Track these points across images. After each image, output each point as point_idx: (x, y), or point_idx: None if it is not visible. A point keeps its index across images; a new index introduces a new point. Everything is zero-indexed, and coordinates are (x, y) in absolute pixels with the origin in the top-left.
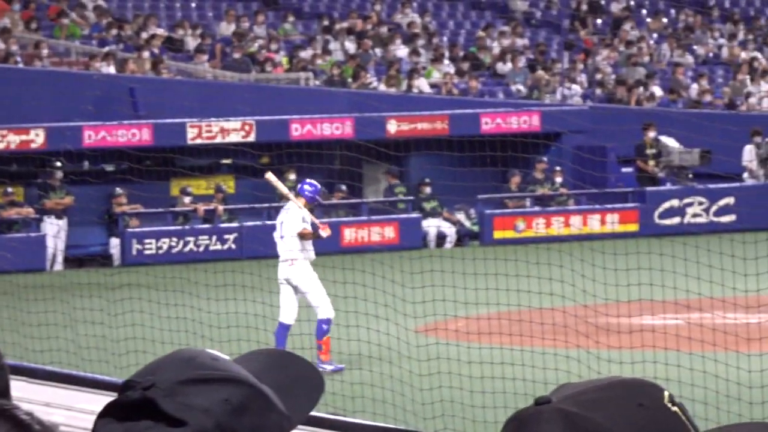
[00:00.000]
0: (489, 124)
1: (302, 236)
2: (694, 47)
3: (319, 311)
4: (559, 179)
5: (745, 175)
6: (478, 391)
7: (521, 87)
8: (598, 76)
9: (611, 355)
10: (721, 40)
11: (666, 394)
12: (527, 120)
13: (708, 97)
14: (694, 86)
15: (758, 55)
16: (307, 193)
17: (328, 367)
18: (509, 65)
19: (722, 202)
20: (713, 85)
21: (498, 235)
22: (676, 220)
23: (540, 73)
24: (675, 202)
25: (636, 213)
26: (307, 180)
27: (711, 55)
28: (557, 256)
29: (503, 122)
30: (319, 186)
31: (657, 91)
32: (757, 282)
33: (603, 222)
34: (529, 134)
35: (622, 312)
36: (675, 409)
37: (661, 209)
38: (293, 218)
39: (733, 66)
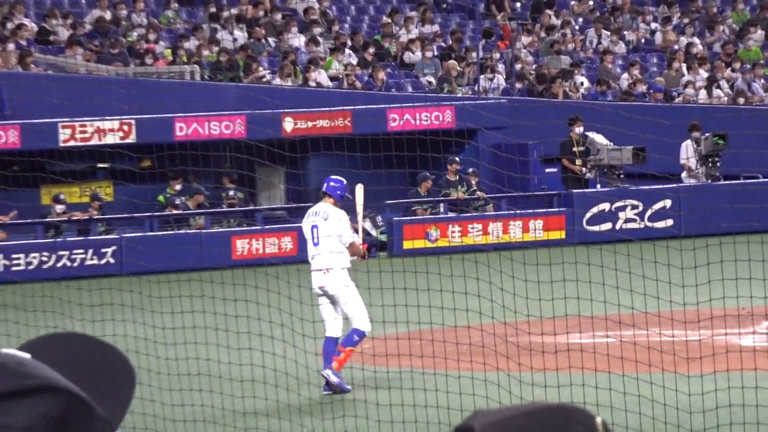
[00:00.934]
0: (397, 120)
1: (352, 247)
2: (624, 33)
3: (355, 321)
4: (474, 181)
5: (684, 174)
6: (387, 420)
7: (432, 79)
8: (518, 66)
9: (535, 378)
10: (654, 25)
11: (599, 420)
12: (439, 116)
13: (641, 88)
14: (625, 76)
15: (696, 40)
16: (337, 192)
17: (334, 378)
18: (419, 55)
19: (658, 206)
20: (646, 74)
21: (408, 244)
22: (606, 226)
23: (452, 63)
24: (605, 206)
25: (562, 218)
26: (332, 176)
27: (643, 41)
28: (474, 267)
29: (413, 118)
30: (344, 181)
31: (583, 81)
32: (696, 294)
33: (525, 229)
34: (442, 131)
35: (547, 330)
36: None
37: (590, 214)
38: (336, 224)
39: (668, 53)
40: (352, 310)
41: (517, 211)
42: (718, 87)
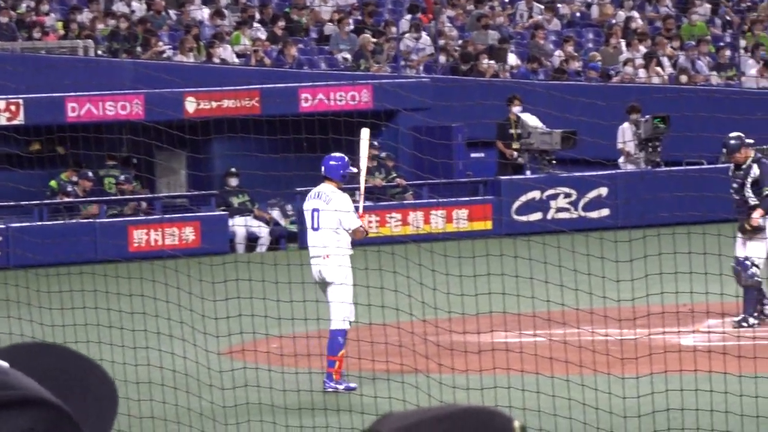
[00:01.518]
0: (309, 100)
1: (356, 233)
2: (558, 6)
3: (333, 315)
4: (390, 165)
5: (621, 160)
6: (296, 426)
7: (348, 55)
8: (442, 42)
9: (457, 381)
10: None
11: (517, 425)
12: (356, 95)
13: (575, 66)
14: (558, 53)
15: (635, 14)
16: (339, 171)
17: (340, 387)
18: (334, 29)
19: (593, 194)
20: (581, 51)
21: None
22: (537, 215)
23: (369, 37)
24: (536, 195)
25: (489, 208)
26: (331, 155)
27: (578, 15)
28: (392, 260)
29: (326, 98)
30: (345, 157)
31: (513, 59)
32: (632, 290)
33: (449, 219)
34: (358, 112)
35: (471, 328)
36: None
37: (518, 203)
38: (338, 208)
39: (605, 28)
40: (337, 299)
41: (440, 200)
42: (660, 65)
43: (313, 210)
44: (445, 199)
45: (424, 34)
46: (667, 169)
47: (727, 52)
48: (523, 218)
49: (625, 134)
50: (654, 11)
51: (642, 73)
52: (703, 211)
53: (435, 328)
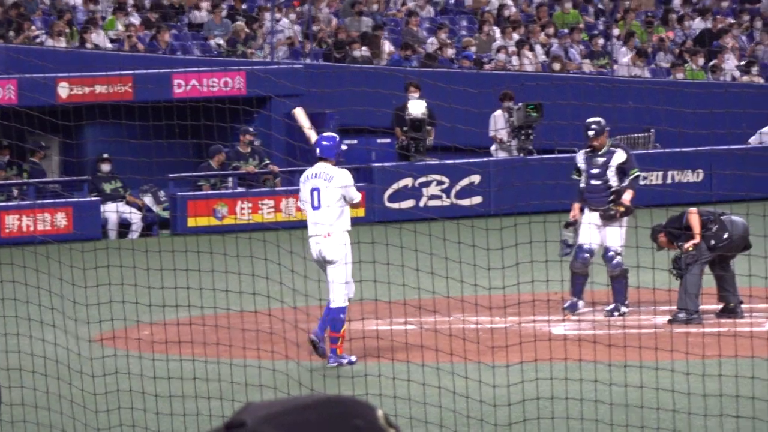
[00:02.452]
0: (182, 86)
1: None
2: None
3: (332, 294)
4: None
5: (494, 147)
6: (166, 413)
7: (222, 41)
8: (315, 28)
9: (326, 368)
10: None
11: (380, 413)
12: (229, 82)
13: (449, 53)
14: (432, 40)
15: (508, 2)
16: (334, 151)
17: (344, 362)
18: (207, 15)
19: (465, 182)
20: (455, 38)
21: (193, 222)
22: (409, 203)
23: (242, 24)
24: (408, 182)
25: (362, 194)
26: (324, 135)
27: (452, 2)
28: (264, 247)
29: (200, 84)
30: (336, 137)
31: (387, 46)
32: (503, 278)
33: None
34: (233, 99)
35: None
36: (392, 431)
37: (391, 190)
38: (341, 186)
39: (479, 15)
40: (337, 278)
41: None
42: (533, 51)
43: (313, 189)
44: None
45: (285, 19)
46: (540, 157)
47: (600, 40)
48: (396, 205)
49: (498, 122)
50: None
51: (515, 60)
52: (573, 199)
53: (306, 316)
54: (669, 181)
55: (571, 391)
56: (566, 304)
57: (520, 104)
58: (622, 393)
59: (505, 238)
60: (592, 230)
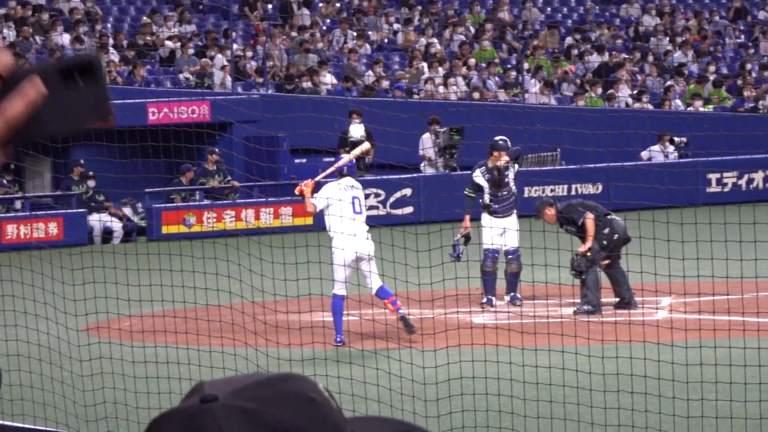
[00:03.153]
0: (156, 114)
1: None
2: (369, 33)
3: (377, 281)
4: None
5: (423, 164)
6: (143, 392)
7: (189, 75)
8: (270, 64)
9: (281, 353)
10: (397, 26)
11: (321, 387)
12: (196, 110)
13: (384, 85)
14: (369, 73)
15: (434, 40)
16: (353, 170)
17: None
18: (178, 53)
19: (399, 194)
20: (389, 72)
21: (167, 230)
22: None
23: (208, 60)
24: None
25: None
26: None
27: (386, 40)
28: (226, 251)
29: (171, 112)
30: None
31: (330, 78)
32: (430, 276)
33: (276, 216)
34: (199, 124)
35: (293, 309)
36: (334, 403)
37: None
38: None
39: (409, 52)
40: (375, 268)
41: (268, 199)
42: (455, 84)
43: (354, 197)
44: (272, 199)
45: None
46: (462, 172)
47: (513, 73)
48: None
49: (426, 143)
50: (450, 38)
51: (441, 90)
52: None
53: (263, 309)
54: (573, 192)
55: (490, 372)
56: (484, 300)
57: (445, 128)
58: (533, 373)
59: (433, 241)
60: (495, 234)
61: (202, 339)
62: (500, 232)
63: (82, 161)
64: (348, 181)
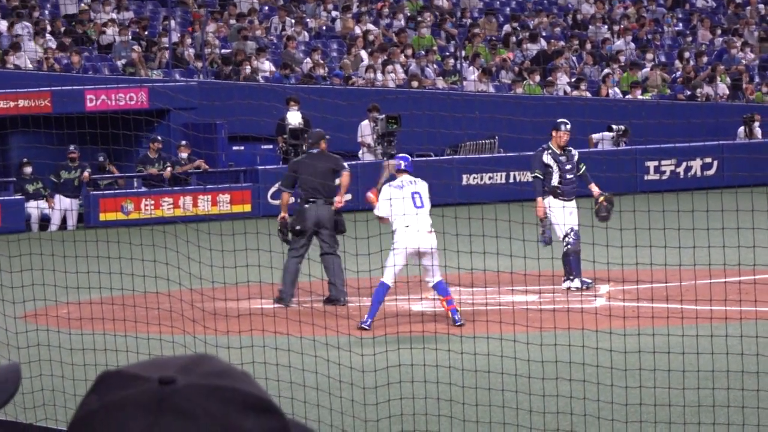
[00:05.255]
0: (94, 100)
1: None
2: (307, 20)
3: (438, 274)
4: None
5: (362, 151)
6: (81, 379)
7: (127, 62)
8: (208, 51)
9: (219, 340)
10: (335, 13)
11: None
12: (134, 96)
13: (321, 72)
14: (307, 60)
15: (373, 27)
16: (411, 166)
17: (457, 316)
18: (116, 39)
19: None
20: (327, 59)
21: (104, 217)
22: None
23: (138, 48)
24: None
25: (248, 193)
26: (399, 155)
27: (324, 28)
28: (164, 238)
29: (109, 99)
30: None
31: (268, 65)
32: (369, 262)
33: (214, 203)
34: (137, 111)
35: (231, 295)
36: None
37: (273, 189)
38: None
39: (348, 39)
40: (437, 261)
41: (206, 186)
42: (394, 72)
43: (414, 192)
44: (210, 186)
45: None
46: None
47: (451, 61)
48: (277, 202)
49: (364, 130)
50: (389, 25)
51: (380, 77)
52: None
53: (201, 296)
54: (511, 180)
55: (429, 359)
56: (579, 284)
57: (383, 115)
58: (472, 360)
59: (371, 228)
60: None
61: (141, 326)
62: (570, 212)
63: (26, 159)
64: (404, 178)
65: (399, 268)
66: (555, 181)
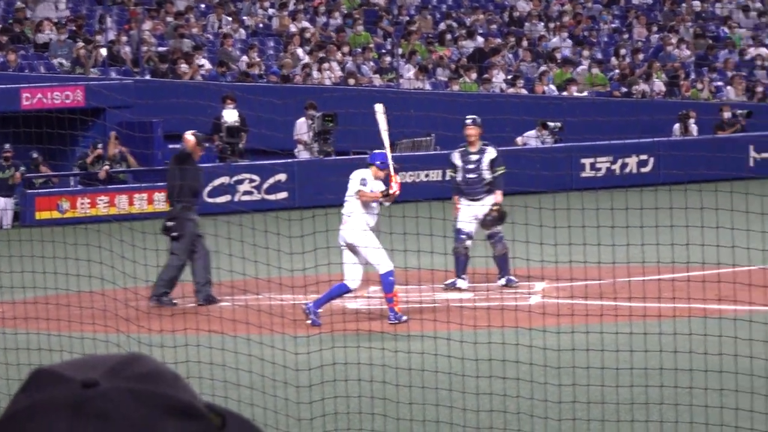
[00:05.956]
0: (30, 99)
1: (362, 196)
2: (244, 18)
3: (381, 267)
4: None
5: (298, 149)
6: (15, 378)
7: (64, 61)
8: (144, 49)
9: (153, 339)
10: (272, 11)
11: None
12: (70, 95)
13: (258, 70)
14: (244, 58)
15: (309, 25)
16: (377, 161)
17: (404, 318)
18: (52, 38)
19: (273, 179)
20: (264, 57)
21: (40, 215)
22: (225, 198)
23: (81, 45)
24: (225, 180)
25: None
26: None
27: (261, 26)
28: (99, 237)
29: (45, 97)
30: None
31: (205, 63)
32: (303, 261)
33: (150, 201)
34: (73, 110)
35: None
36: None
37: (210, 187)
38: (351, 181)
39: (284, 37)
40: (372, 255)
41: (142, 185)
42: (330, 69)
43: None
44: (146, 184)
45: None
46: (337, 158)
47: (388, 58)
48: (215, 200)
49: (301, 128)
50: (325, 23)
51: (316, 75)
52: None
53: (135, 295)
54: (447, 178)
55: (363, 358)
56: (448, 282)
57: (320, 113)
58: (406, 359)
59: (306, 227)
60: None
61: (75, 326)
62: (474, 214)
63: None
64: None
65: (348, 264)
66: (458, 179)
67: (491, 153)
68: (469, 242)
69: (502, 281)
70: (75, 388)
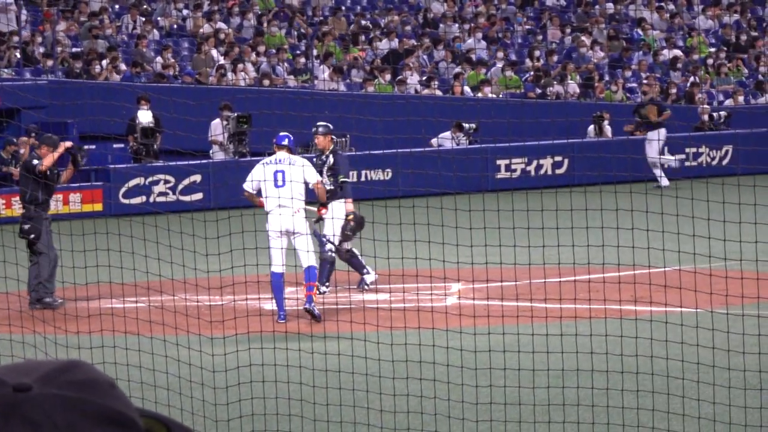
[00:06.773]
0: None
1: (319, 187)
2: (158, 19)
3: (309, 259)
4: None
5: (214, 150)
6: None
7: None
8: (59, 49)
9: (70, 341)
10: (186, 11)
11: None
12: None
13: (172, 71)
14: (159, 59)
15: (224, 26)
16: (292, 143)
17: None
18: None
19: (188, 180)
20: (178, 58)
21: None
22: (140, 199)
23: None
24: (140, 181)
25: (99, 192)
26: (280, 134)
27: (175, 26)
28: (15, 237)
29: None
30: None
31: (120, 64)
32: (219, 262)
33: (65, 202)
34: None
35: (81, 295)
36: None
37: (125, 188)
38: (304, 169)
39: (199, 38)
40: (306, 246)
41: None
42: (245, 70)
43: (276, 171)
44: (61, 185)
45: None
46: (252, 158)
47: (302, 59)
48: (129, 201)
49: (216, 129)
50: (238, 24)
51: (231, 76)
52: None
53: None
54: (363, 179)
55: (279, 359)
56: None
57: (235, 114)
58: (322, 359)
59: (222, 228)
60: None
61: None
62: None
63: None
64: (278, 155)
65: (278, 251)
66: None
67: (328, 159)
68: (330, 247)
69: (323, 288)
70: (7, 393)
